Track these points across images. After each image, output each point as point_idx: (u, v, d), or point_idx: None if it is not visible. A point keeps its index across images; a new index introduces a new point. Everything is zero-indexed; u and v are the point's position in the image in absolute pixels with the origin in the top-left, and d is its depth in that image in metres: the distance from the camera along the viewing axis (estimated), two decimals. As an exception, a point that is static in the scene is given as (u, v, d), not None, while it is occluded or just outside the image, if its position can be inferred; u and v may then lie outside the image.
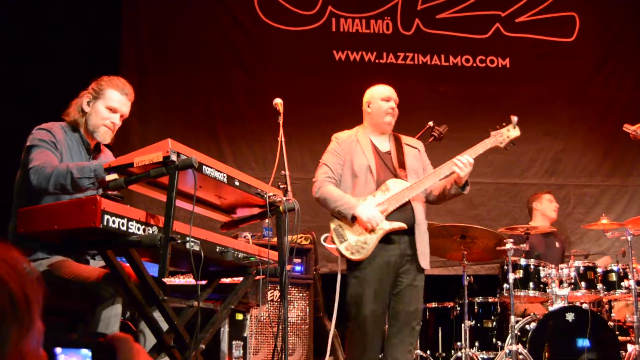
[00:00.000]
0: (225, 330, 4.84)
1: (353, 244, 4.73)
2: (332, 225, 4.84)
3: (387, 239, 4.72)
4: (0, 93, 7.17)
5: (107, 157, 3.95)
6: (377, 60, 8.62)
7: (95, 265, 3.68)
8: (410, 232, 4.77)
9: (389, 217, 4.71)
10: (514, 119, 4.97)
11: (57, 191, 3.30)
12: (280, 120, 4.29)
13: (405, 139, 5.13)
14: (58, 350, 1.29)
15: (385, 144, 5.05)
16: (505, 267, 6.10)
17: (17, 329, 1.07)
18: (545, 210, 7.39)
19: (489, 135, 4.99)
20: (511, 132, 4.97)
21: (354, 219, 4.71)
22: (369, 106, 5.10)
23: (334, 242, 4.81)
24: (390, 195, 4.74)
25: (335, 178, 4.93)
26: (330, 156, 5.01)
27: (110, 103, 3.77)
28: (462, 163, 4.73)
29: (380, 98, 5.06)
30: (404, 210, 4.76)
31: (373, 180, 4.83)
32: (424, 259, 4.79)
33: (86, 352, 1.31)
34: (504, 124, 5.02)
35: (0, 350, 1.05)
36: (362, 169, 4.87)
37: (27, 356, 1.09)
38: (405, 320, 4.74)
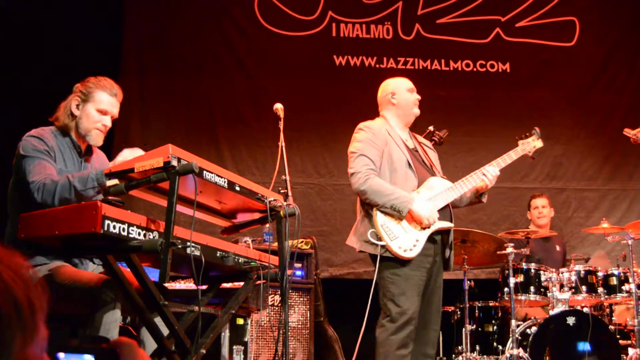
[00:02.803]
0: (226, 335, 4.84)
1: (405, 240, 4.51)
2: (379, 221, 4.56)
3: (429, 237, 4.60)
4: (-1, 94, 7.19)
5: (99, 158, 3.95)
6: (377, 65, 8.63)
7: (96, 270, 3.69)
8: (444, 232, 4.72)
9: None
10: (538, 131, 5.08)
11: (62, 204, 3.29)
12: (281, 125, 4.30)
13: (419, 138, 5.10)
14: (61, 355, 1.29)
15: (410, 141, 4.93)
16: (506, 271, 6.10)
17: (21, 335, 1.08)
18: (534, 219, 7.39)
19: (516, 143, 5.06)
20: (536, 142, 5.09)
21: (404, 214, 4.53)
22: (393, 97, 4.93)
23: (379, 239, 4.53)
24: (436, 194, 4.64)
25: (377, 170, 4.66)
26: (368, 147, 4.70)
27: (100, 106, 3.74)
28: (493, 176, 4.79)
29: (406, 89, 4.95)
30: (444, 211, 4.70)
31: (414, 175, 4.68)
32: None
33: (89, 358, 1.31)
34: (527, 133, 5.09)
35: (5, 356, 1.05)
36: (402, 164, 4.69)
37: (31, 362, 1.10)
38: (432, 322, 4.67)
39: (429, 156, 4.94)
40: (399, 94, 4.93)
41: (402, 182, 4.65)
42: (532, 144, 5.06)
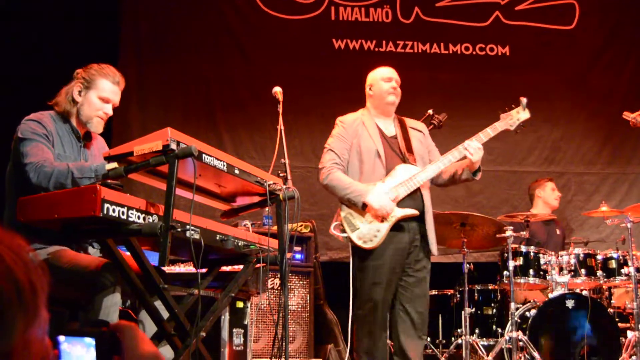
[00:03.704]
0: (225, 318, 4.85)
1: (365, 232, 4.69)
2: (342, 214, 4.80)
3: (397, 225, 4.70)
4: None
5: (98, 144, 3.95)
6: (376, 49, 8.59)
7: (95, 253, 3.70)
8: (419, 218, 4.77)
9: (400, 203, 4.70)
10: (524, 100, 4.98)
11: (56, 189, 3.30)
12: (280, 108, 4.29)
13: (409, 122, 5.13)
14: (61, 338, 1.29)
15: (391, 128, 5.03)
16: (505, 254, 6.10)
17: (23, 317, 1.07)
18: (547, 199, 7.39)
19: (499, 118, 5.00)
20: (521, 114, 4.99)
21: (364, 206, 4.68)
22: (370, 89, 5.08)
23: (343, 231, 4.77)
24: (401, 182, 4.71)
25: (343, 164, 4.89)
26: (337, 141, 4.95)
27: (102, 94, 3.74)
28: (473, 149, 4.74)
29: (381, 79, 5.05)
30: (413, 197, 4.76)
31: (382, 165, 4.80)
32: (434, 245, 4.81)
33: (90, 341, 1.31)
34: (512, 105, 5.02)
35: (7, 338, 1.05)
36: (370, 154, 4.83)
37: (32, 344, 1.09)
38: (414, 304, 4.75)
39: (410, 143, 4.97)
40: (375, 85, 5.08)
41: (369, 172, 4.81)
42: (515, 116, 4.99)
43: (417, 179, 4.73)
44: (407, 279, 4.76)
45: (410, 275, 4.77)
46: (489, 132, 4.92)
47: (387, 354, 4.87)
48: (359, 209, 4.72)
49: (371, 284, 4.69)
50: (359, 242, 4.68)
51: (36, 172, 3.33)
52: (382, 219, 4.66)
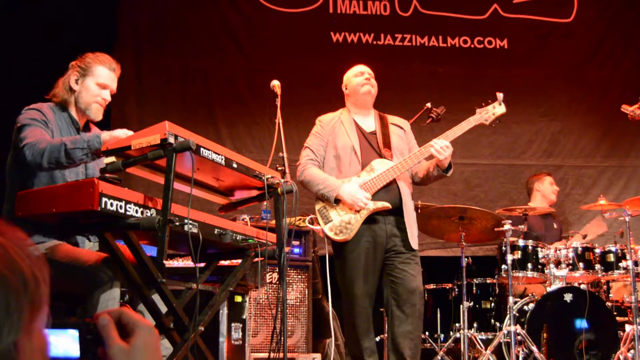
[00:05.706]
0: (224, 312, 4.84)
1: (337, 224, 4.74)
2: (317, 207, 4.87)
3: (372, 219, 4.74)
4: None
5: None
6: (374, 42, 8.57)
7: (93, 247, 3.70)
8: (396, 212, 4.78)
9: (375, 197, 4.72)
10: (500, 95, 5.02)
11: (52, 165, 3.31)
12: (278, 102, 4.28)
13: (391, 119, 5.16)
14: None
15: (370, 124, 5.08)
16: (504, 248, 6.10)
17: (29, 309, 1.07)
18: (546, 192, 7.39)
19: (474, 112, 5.02)
20: (497, 109, 5.02)
21: (337, 201, 4.73)
22: (346, 88, 5.21)
23: (319, 224, 4.83)
24: (375, 176, 4.74)
25: (318, 160, 4.98)
26: (313, 139, 5.07)
27: (99, 80, 3.78)
28: (440, 147, 4.73)
29: (353, 75, 5.17)
30: (389, 190, 4.78)
31: (358, 161, 4.85)
32: (413, 239, 4.80)
33: (74, 332, 1.31)
34: (489, 100, 5.03)
35: (15, 329, 1.05)
36: (346, 150, 4.89)
37: (35, 337, 1.09)
38: (406, 298, 4.73)
39: (389, 138, 4.99)
40: (349, 83, 5.20)
41: (346, 168, 4.88)
42: (491, 111, 5.02)
43: (391, 172, 4.75)
44: (395, 273, 4.78)
45: (397, 269, 4.77)
46: (464, 126, 4.94)
47: (375, 347, 4.87)
48: (333, 203, 4.78)
49: (349, 277, 4.75)
50: (331, 234, 4.75)
51: (31, 150, 3.34)
52: (356, 211, 4.70)
